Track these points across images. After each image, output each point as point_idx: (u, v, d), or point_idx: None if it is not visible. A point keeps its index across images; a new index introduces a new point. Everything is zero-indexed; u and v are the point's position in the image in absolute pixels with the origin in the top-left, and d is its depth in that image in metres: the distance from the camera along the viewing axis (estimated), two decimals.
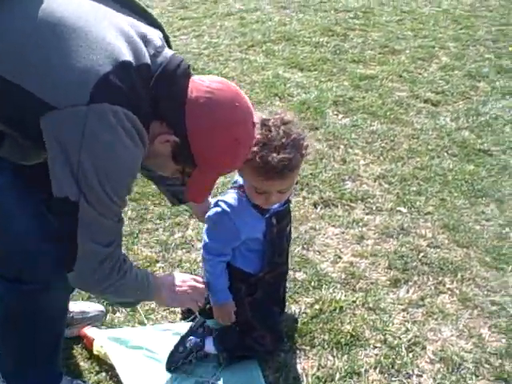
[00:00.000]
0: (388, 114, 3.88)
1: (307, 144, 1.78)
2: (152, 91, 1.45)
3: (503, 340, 2.24)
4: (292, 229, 2.74)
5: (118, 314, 2.31)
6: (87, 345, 2.14)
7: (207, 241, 1.98)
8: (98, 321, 2.24)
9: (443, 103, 4.06)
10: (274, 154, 1.68)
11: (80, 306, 2.24)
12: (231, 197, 1.92)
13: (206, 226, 2.01)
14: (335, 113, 3.90)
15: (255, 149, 1.66)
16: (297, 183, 3.11)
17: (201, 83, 1.50)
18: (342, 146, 3.50)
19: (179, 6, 6.16)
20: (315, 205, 2.97)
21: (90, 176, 1.40)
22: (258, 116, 1.66)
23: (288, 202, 2.02)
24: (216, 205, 1.93)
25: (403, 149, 3.48)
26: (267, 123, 1.71)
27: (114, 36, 1.42)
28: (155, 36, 1.53)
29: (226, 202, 1.90)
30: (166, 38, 1.61)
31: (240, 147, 1.55)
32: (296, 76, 4.45)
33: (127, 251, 2.57)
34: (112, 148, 1.40)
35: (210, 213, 1.95)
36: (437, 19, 5.75)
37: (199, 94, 1.47)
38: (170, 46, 1.59)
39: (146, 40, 1.48)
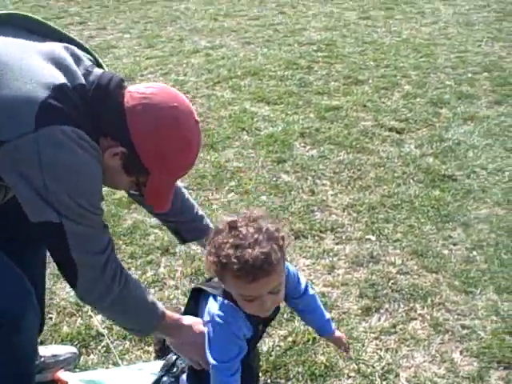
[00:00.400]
0: (354, 143, 3.95)
1: (283, 235, 1.61)
2: (90, 108, 1.49)
3: (475, 363, 2.26)
4: None
5: (91, 356, 2.29)
6: None
7: (215, 363, 1.67)
8: (70, 363, 2.22)
9: (407, 131, 4.15)
10: (249, 250, 1.49)
11: (51, 349, 2.22)
12: (221, 309, 1.69)
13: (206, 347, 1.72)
14: (302, 145, 3.97)
15: (229, 252, 1.49)
16: None
17: (136, 91, 1.54)
18: (309, 177, 3.55)
19: (146, 45, 6.24)
20: None
21: (60, 196, 1.44)
22: (223, 220, 1.56)
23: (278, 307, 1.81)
24: (210, 321, 1.72)
25: (370, 177, 3.55)
26: (235, 225, 1.54)
27: (45, 63, 1.48)
28: (84, 57, 1.59)
29: (219, 316, 1.68)
30: (96, 60, 1.67)
31: (187, 145, 1.58)
32: (263, 110, 4.52)
33: None
34: (71, 165, 1.45)
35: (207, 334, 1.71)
36: (398, 49, 5.90)
37: (135, 101, 1.51)
38: (101, 67, 1.65)
39: (77, 60, 1.54)
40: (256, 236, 1.52)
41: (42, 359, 2.12)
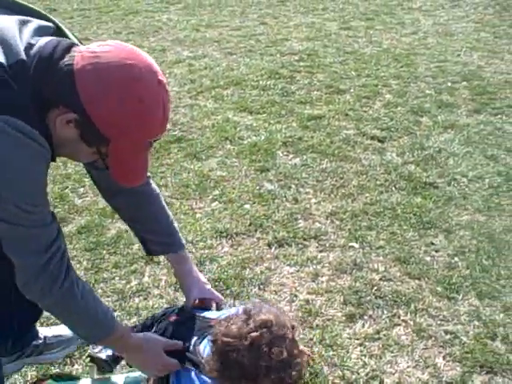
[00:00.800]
0: (336, 152, 3.98)
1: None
2: (32, 83, 1.36)
3: (458, 368, 2.29)
4: (247, 269, 2.80)
5: (76, 366, 2.28)
6: None
7: None
8: (73, 344, 2.19)
9: (389, 139, 4.19)
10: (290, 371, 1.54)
11: (54, 330, 2.19)
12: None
13: None
14: (285, 153, 3.99)
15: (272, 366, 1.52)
16: (250, 224, 3.16)
17: (86, 51, 1.39)
18: (293, 186, 3.57)
19: None
20: (269, 245, 3.01)
21: None
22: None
23: None
24: None
25: (353, 185, 3.58)
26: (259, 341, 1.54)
27: None
28: (29, 28, 1.44)
29: None
30: (58, 29, 1.53)
31: (145, 106, 1.41)
32: (246, 119, 4.54)
33: None
34: (1, 159, 1.34)
35: None
36: (378, 59, 5.96)
37: (85, 61, 1.36)
38: (64, 36, 1.52)
39: (22, 34, 1.41)
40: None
41: (43, 340, 2.09)
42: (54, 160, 1.48)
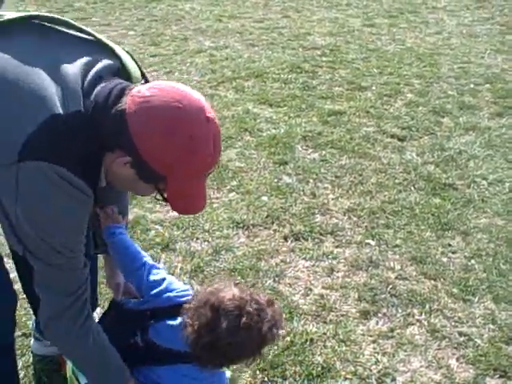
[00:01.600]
0: (356, 148, 3.96)
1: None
2: (88, 132, 1.42)
3: (471, 370, 2.28)
4: (263, 261, 2.80)
5: None
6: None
7: None
8: None
9: (409, 138, 4.16)
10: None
11: None
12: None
13: None
14: (304, 148, 3.98)
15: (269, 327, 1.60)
16: (267, 217, 3.16)
17: (136, 95, 1.43)
18: (311, 180, 3.56)
19: (150, 43, 6.24)
20: (286, 238, 3.00)
21: (27, 230, 1.41)
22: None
23: None
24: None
25: (371, 183, 3.56)
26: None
27: (47, 85, 1.40)
28: (96, 68, 1.49)
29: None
30: (121, 64, 1.58)
31: (195, 144, 1.44)
32: (266, 112, 4.52)
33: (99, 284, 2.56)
34: (45, 203, 1.39)
35: None
36: (401, 57, 5.92)
37: (136, 106, 1.41)
38: (126, 73, 1.56)
39: (86, 75, 1.46)
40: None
41: None
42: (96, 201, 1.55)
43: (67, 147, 1.39)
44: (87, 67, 1.47)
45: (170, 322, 1.70)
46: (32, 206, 1.39)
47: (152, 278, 1.81)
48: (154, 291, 1.78)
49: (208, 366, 1.63)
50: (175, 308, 1.70)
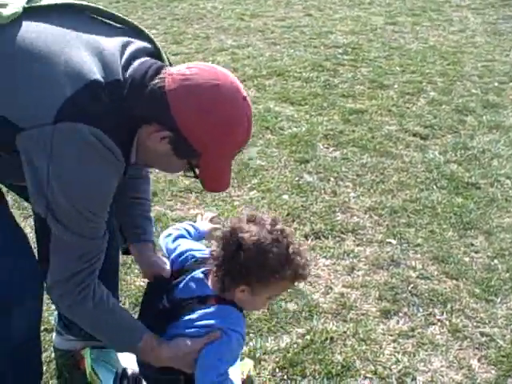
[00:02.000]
0: (377, 147, 3.94)
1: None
2: (125, 103, 1.47)
3: (493, 371, 2.25)
4: None
5: None
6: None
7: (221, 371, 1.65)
8: None
9: (431, 137, 4.13)
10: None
11: None
12: (241, 322, 1.72)
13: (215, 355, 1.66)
14: (326, 146, 3.96)
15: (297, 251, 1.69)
16: (288, 215, 3.15)
17: (177, 73, 1.49)
18: (332, 179, 3.55)
19: (172, 41, 6.26)
20: (306, 236, 3.00)
21: (57, 192, 1.43)
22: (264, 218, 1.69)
23: None
24: (233, 334, 1.68)
25: (393, 181, 3.54)
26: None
27: (85, 55, 1.47)
28: (130, 49, 1.55)
29: (241, 333, 1.70)
30: (155, 49, 1.64)
31: (235, 123, 1.52)
32: (287, 110, 4.52)
33: (119, 281, 2.57)
34: (78, 164, 1.43)
35: (230, 343, 1.67)
36: (424, 55, 5.87)
37: (176, 84, 1.47)
38: (160, 58, 1.62)
39: (123, 52, 1.53)
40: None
41: None
42: (125, 174, 1.58)
43: (105, 111, 1.44)
44: (124, 46, 1.54)
45: (195, 275, 1.74)
46: (64, 167, 1.42)
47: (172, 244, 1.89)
48: (177, 252, 1.84)
49: (231, 292, 1.66)
50: (199, 263, 1.76)
